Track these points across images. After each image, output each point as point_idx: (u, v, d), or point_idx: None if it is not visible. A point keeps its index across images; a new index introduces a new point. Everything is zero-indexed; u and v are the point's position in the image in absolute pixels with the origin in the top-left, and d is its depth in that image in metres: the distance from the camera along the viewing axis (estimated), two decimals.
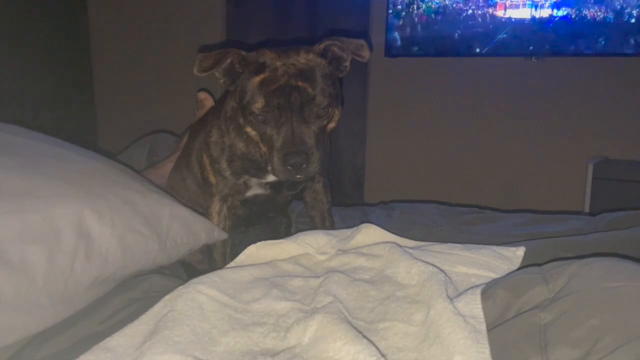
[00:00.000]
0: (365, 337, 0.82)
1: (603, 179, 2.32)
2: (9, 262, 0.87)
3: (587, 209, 2.36)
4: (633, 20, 2.29)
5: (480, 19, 2.50)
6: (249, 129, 1.23)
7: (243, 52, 1.20)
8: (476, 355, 0.74)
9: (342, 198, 2.64)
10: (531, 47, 2.46)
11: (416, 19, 2.60)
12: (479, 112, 2.71)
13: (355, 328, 0.85)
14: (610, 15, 2.32)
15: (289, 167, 1.16)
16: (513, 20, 2.45)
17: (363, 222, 1.32)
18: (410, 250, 1.14)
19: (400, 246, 1.17)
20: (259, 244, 1.21)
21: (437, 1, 2.54)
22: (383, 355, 0.76)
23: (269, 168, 1.22)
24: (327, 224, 1.52)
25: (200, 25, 3.02)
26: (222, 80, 1.23)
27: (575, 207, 2.40)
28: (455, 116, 2.75)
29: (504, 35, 2.47)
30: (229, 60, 1.20)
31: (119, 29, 3.19)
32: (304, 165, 1.15)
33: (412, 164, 2.87)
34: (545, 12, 2.38)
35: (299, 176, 1.18)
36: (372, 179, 2.91)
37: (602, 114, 2.52)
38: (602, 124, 2.53)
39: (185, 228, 1.24)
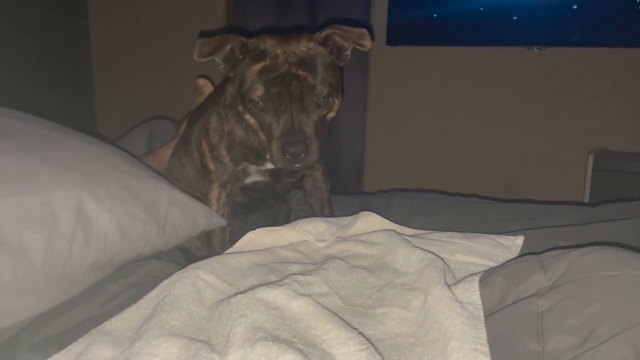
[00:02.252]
0: (362, 322, 0.82)
1: (603, 171, 2.32)
2: (7, 245, 0.87)
3: (586, 201, 2.36)
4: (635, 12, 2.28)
5: (482, 8, 2.48)
6: (248, 117, 1.23)
7: (244, 39, 1.19)
8: (473, 341, 0.74)
9: (341, 187, 2.63)
10: (534, 37, 2.44)
11: (418, 8, 2.59)
12: (480, 101, 2.70)
13: (356, 312, 0.85)
14: (613, 6, 2.31)
15: (287, 156, 1.15)
16: (515, 9, 2.44)
17: (362, 210, 1.32)
18: (409, 238, 1.15)
19: (399, 234, 1.17)
20: (257, 230, 1.21)
21: None
22: (380, 340, 0.77)
23: (268, 156, 1.22)
24: (326, 211, 1.52)
25: (201, 10, 3.00)
26: (221, 67, 1.22)
27: (575, 199, 2.40)
28: (456, 106, 2.74)
29: (506, 24, 2.45)
30: (229, 46, 1.19)
31: (119, 14, 3.17)
32: (303, 155, 1.15)
33: (412, 153, 2.86)
34: None
35: (297, 165, 1.18)
36: (371, 168, 2.90)
37: (603, 105, 2.51)
38: (603, 116, 2.52)
39: (184, 214, 1.24)
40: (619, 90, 2.48)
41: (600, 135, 2.52)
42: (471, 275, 0.95)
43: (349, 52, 1.25)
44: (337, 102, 1.23)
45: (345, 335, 0.76)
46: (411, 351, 0.79)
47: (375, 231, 1.22)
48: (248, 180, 1.41)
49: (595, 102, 2.52)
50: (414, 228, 1.29)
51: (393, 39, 2.63)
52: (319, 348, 0.76)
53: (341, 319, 0.82)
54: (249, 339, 0.74)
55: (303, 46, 1.18)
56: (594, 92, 2.51)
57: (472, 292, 0.87)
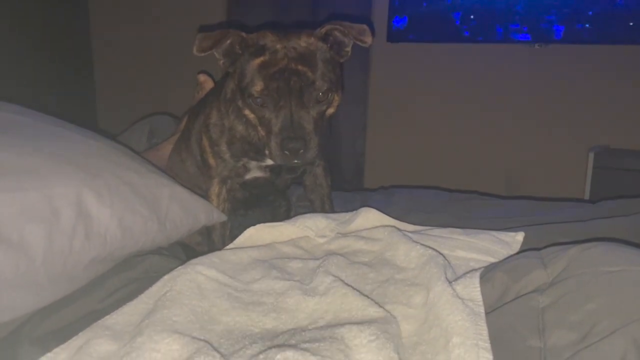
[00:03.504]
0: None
1: (604, 168, 2.32)
2: (7, 240, 0.87)
3: (587, 198, 2.35)
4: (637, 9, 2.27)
5: (482, 4, 2.48)
6: (247, 112, 1.22)
7: (243, 34, 1.19)
8: (474, 337, 0.74)
9: (342, 183, 2.63)
10: (535, 34, 2.43)
11: (419, 4, 2.58)
12: (481, 99, 2.70)
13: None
14: (614, 2, 2.30)
15: (286, 152, 1.15)
16: (516, 5, 2.43)
17: (363, 206, 1.32)
18: (410, 234, 1.15)
19: (400, 230, 1.17)
20: (258, 226, 1.21)
21: None
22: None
23: (267, 152, 1.21)
24: (327, 207, 1.52)
25: (201, 5, 2.99)
26: (221, 62, 1.22)
27: (576, 196, 2.39)
28: (457, 103, 2.74)
29: (507, 21, 2.45)
30: (228, 41, 1.19)
31: (119, 9, 3.17)
32: (302, 151, 1.14)
33: (412, 149, 2.86)
34: None
35: (296, 161, 1.17)
36: (372, 165, 2.90)
37: (604, 102, 2.51)
38: (604, 113, 2.52)
39: (185, 209, 1.24)
40: (619, 87, 2.47)
41: (601, 133, 2.52)
42: (472, 271, 0.95)
43: (349, 48, 1.24)
44: (336, 98, 1.22)
45: (357, 327, 0.77)
46: (414, 349, 0.79)
47: (376, 227, 1.22)
48: (248, 176, 1.41)
49: (596, 99, 2.52)
50: (415, 224, 1.28)
51: (394, 35, 2.63)
52: (331, 333, 0.76)
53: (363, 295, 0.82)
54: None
55: (303, 42, 1.17)
56: (594, 89, 2.51)
57: (472, 289, 0.87)
